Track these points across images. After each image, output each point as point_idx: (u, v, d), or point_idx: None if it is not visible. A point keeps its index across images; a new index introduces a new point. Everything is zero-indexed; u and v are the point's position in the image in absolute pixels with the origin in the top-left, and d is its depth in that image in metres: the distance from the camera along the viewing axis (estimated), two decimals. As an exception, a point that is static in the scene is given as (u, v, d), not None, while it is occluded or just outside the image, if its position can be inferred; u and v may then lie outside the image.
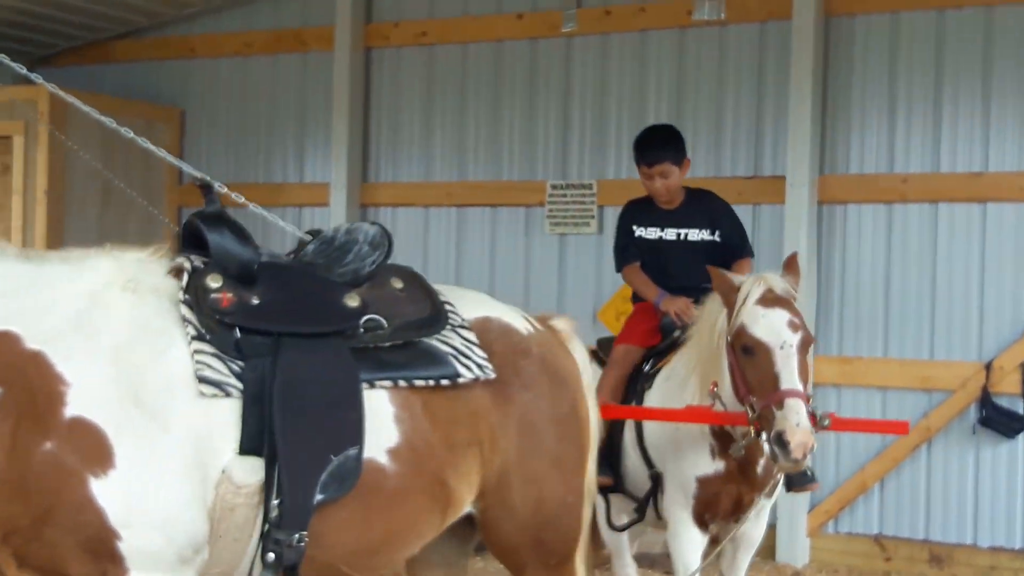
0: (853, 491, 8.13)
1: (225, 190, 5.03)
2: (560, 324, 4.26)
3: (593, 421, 4.20)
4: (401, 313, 3.72)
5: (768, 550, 8.08)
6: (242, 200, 4.53)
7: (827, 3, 8.25)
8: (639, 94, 8.95)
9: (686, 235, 6.07)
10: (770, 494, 5.34)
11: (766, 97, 8.57)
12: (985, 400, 7.72)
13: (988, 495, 7.85)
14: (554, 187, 9.17)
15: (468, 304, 3.97)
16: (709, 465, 5.27)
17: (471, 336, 3.81)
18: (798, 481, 5.58)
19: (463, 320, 3.85)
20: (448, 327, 3.79)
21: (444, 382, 3.68)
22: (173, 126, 10.56)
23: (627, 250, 6.17)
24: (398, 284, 3.82)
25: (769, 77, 8.56)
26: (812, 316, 8.21)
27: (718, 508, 5.31)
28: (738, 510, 5.30)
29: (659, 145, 6.08)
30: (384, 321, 3.66)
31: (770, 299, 4.92)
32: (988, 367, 7.76)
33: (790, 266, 5.16)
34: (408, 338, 3.69)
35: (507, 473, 3.82)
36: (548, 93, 9.28)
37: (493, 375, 3.77)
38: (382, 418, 3.56)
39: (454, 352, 3.74)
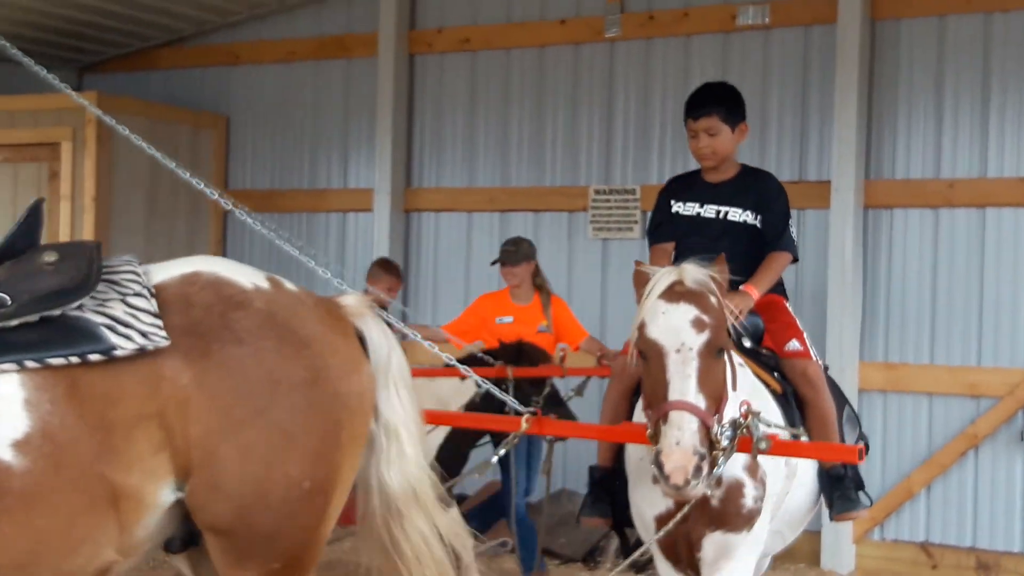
0: (899, 497, 8.08)
1: (215, 195, 4.89)
2: (349, 300, 3.77)
3: (399, 410, 3.70)
4: (36, 288, 3.31)
5: (813, 556, 8.05)
6: (230, 206, 4.29)
7: (873, 7, 8.22)
8: (682, 99, 8.76)
9: (726, 214, 5.15)
10: (739, 527, 4.34)
11: (811, 101, 8.54)
12: (1033, 407, 7.68)
13: (1036, 502, 7.79)
14: (597, 192, 9.17)
15: (179, 265, 3.54)
16: (661, 501, 4.31)
17: (142, 303, 3.34)
18: (839, 507, 4.86)
19: (141, 288, 3.39)
20: (116, 297, 3.35)
21: (93, 358, 3.24)
22: (218, 132, 10.64)
23: (659, 228, 5.31)
24: (50, 258, 3.38)
25: (814, 81, 8.53)
26: (858, 321, 8.18)
27: (682, 552, 4.40)
28: (693, 551, 4.38)
29: (708, 99, 5.28)
30: (8, 298, 3.26)
31: (677, 293, 4.09)
32: (1036, 373, 7.71)
33: (720, 262, 4.34)
34: (41, 312, 3.26)
35: (214, 442, 3.31)
36: (591, 98, 9.28)
37: (165, 342, 3.28)
38: (6, 407, 3.16)
39: (110, 323, 3.28)
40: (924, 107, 8.19)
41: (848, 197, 8.13)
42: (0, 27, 7.47)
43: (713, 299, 4.10)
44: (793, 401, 4.80)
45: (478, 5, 9.72)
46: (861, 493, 4.92)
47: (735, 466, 4.25)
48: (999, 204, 7.93)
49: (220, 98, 10.78)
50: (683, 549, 4.37)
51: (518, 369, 6.83)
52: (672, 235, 5.23)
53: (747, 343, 4.84)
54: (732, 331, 4.60)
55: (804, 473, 4.75)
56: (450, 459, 6.84)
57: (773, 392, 4.71)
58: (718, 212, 5.17)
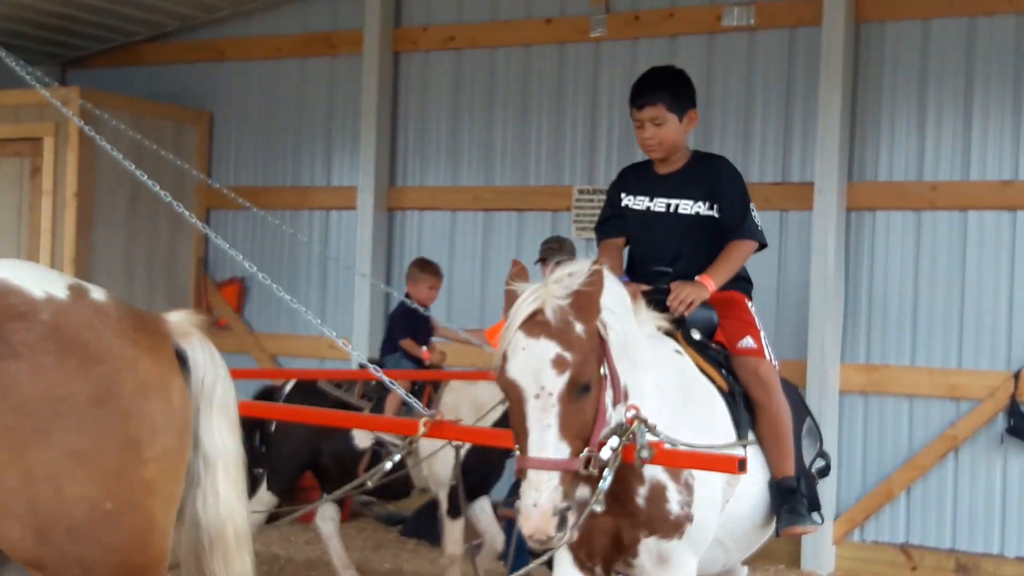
0: (879, 499, 8.10)
1: (178, 207, 4.78)
2: (174, 317, 3.53)
3: (219, 443, 3.48)
4: None
5: (793, 557, 8.06)
6: (187, 214, 4.16)
7: (857, 10, 8.23)
8: (667, 100, 8.91)
9: (676, 207, 4.82)
10: (670, 533, 4.10)
11: (795, 103, 8.55)
12: (1013, 409, 7.69)
13: (1015, 504, 7.80)
14: (581, 192, 9.17)
15: None
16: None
17: None
18: (786, 520, 4.58)
19: None
20: None
21: None
22: (202, 128, 10.62)
23: (607, 223, 5.00)
24: None
25: (798, 83, 8.54)
26: (839, 323, 8.19)
27: (594, 548, 4.14)
28: (620, 551, 4.15)
29: (653, 86, 4.84)
30: None
31: (538, 324, 3.69)
32: (1017, 376, 7.71)
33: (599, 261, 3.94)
34: None
35: None
36: (576, 98, 9.28)
37: None
38: None
39: None
40: (907, 110, 8.21)
41: (831, 199, 8.14)
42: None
43: (579, 327, 3.69)
44: (742, 402, 4.55)
45: (463, 3, 9.71)
46: (815, 513, 4.69)
47: (655, 468, 3.99)
48: (981, 207, 7.95)
49: (205, 94, 10.75)
50: (599, 547, 4.14)
51: None
52: (622, 230, 4.95)
53: (696, 335, 4.61)
54: (680, 323, 4.47)
55: (751, 482, 4.43)
56: (479, 469, 6.61)
57: (719, 388, 4.49)
58: (668, 206, 4.84)
